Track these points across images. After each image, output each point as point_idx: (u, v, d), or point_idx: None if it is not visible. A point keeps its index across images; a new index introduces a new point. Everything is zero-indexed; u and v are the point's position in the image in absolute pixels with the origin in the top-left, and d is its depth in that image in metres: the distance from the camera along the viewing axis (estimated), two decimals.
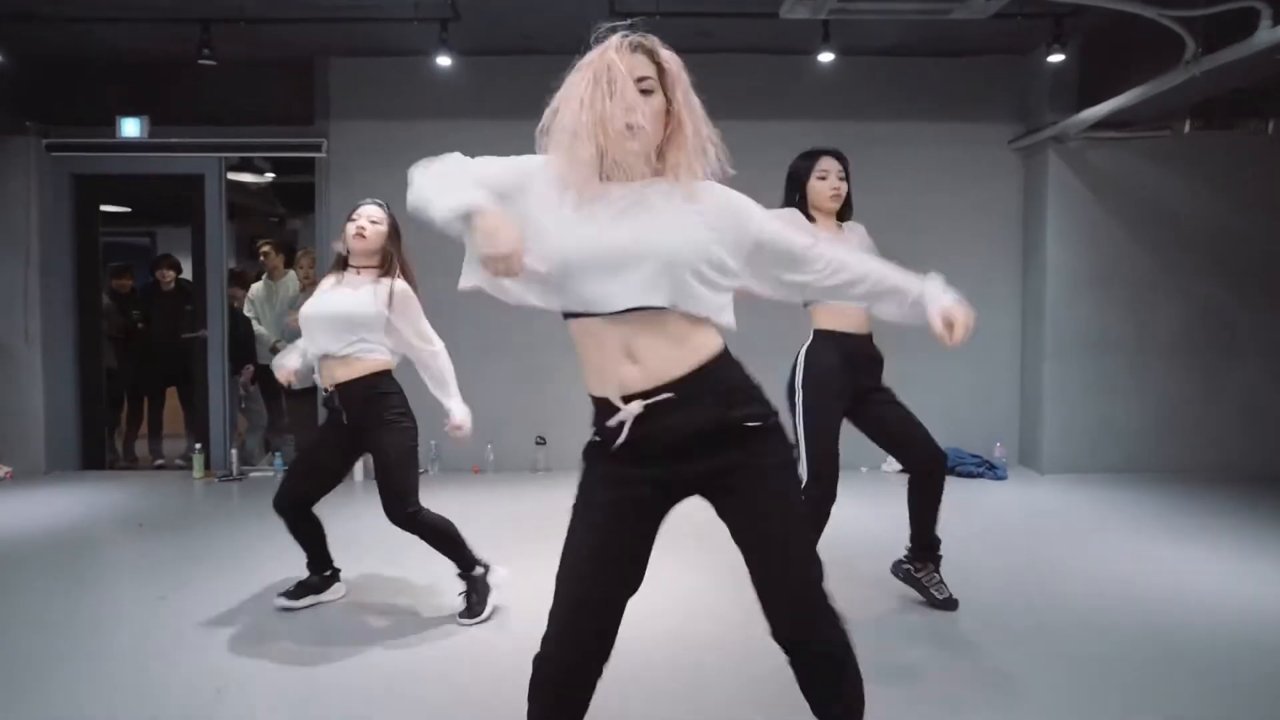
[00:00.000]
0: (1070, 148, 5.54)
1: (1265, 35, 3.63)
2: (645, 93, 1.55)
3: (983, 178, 5.87)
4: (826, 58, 5.17)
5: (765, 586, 1.59)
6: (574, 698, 1.60)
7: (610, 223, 1.54)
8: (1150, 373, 5.67)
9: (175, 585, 3.47)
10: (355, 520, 4.55)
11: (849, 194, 3.04)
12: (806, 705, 1.63)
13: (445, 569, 3.14)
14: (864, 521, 4.33)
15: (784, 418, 2.82)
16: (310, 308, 3.07)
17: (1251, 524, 4.39)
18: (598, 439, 1.63)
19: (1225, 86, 4.63)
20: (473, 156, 1.72)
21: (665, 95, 1.57)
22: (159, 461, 6.31)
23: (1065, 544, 4.14)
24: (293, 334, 6.12)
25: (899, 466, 5.91)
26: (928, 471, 3.08)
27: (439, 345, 3.13)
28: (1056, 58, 4.95)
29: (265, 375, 6.20)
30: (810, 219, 2.96)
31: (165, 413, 6.49)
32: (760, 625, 1.60)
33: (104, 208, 8.13)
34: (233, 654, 2.79)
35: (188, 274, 6.51)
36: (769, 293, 1.72)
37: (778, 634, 1.58)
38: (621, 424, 1.55)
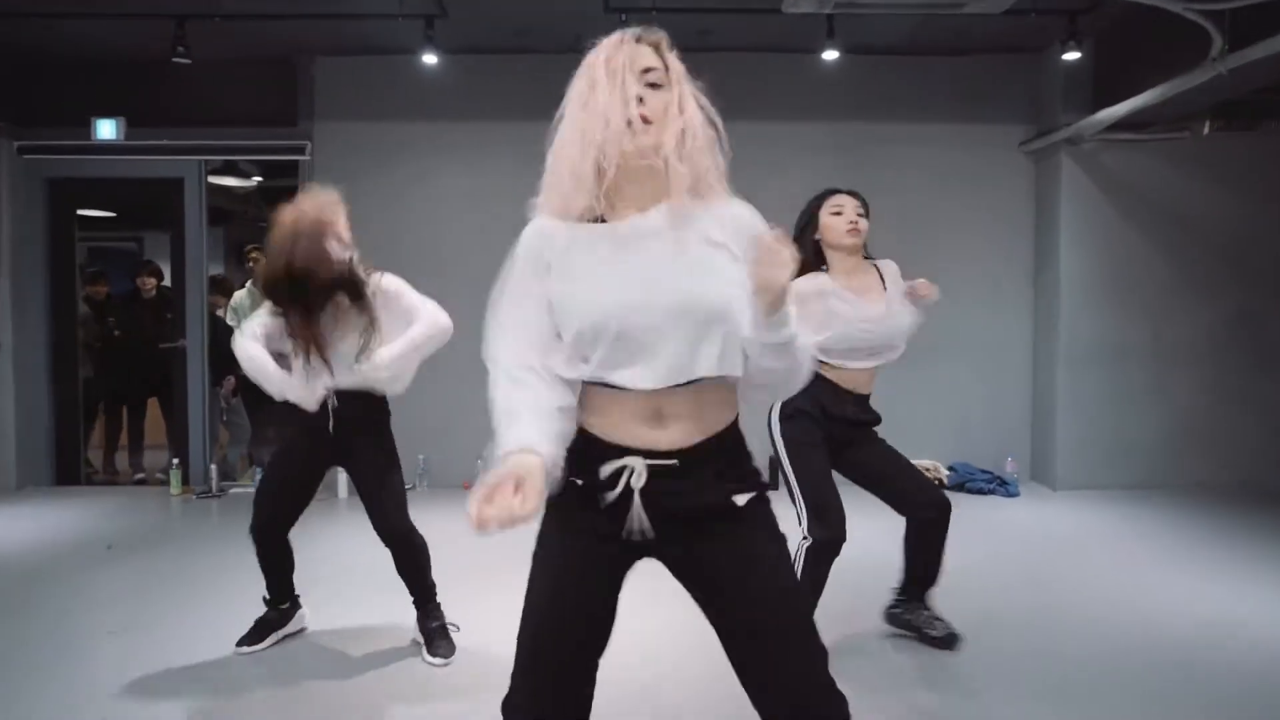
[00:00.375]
0: (1084, 150, 5.33)
1: None
2: (652, 86, 1.38)
3: (992, 181, 5.66)
4: (831, 56, 4.96)
5: (760, 682, 1.37)
6: None
7: (642, 281, 1.35)
8: (1169, 383, 5.45)
9: (131, 618, 3.24)
10: (328, 543, 4.35)
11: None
12: None
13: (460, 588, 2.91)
14: (871, 544, 4.11)
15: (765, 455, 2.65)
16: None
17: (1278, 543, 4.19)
18: (577, 482, 1.39)
19: (1251, 85, 4.41)
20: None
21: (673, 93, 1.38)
22: (139, 476, 6.11)
23: (1080, 566, 3.95)
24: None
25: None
26: (935, 517, 2.79)
27: (426, 314, 2.83)
28: (1071, 55, 4.74)
29: (248, 386, 5.98)
30: (823, 262, 2.70)
31: (146, 424, 6.29)
32: None
33: (88, 212, 7.98)
34: (186, 700, 2.56)
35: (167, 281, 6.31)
36: None
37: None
38: (615, 479, 1.36)
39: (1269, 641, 2.99)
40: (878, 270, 2.79)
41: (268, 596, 2.95)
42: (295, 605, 3.02)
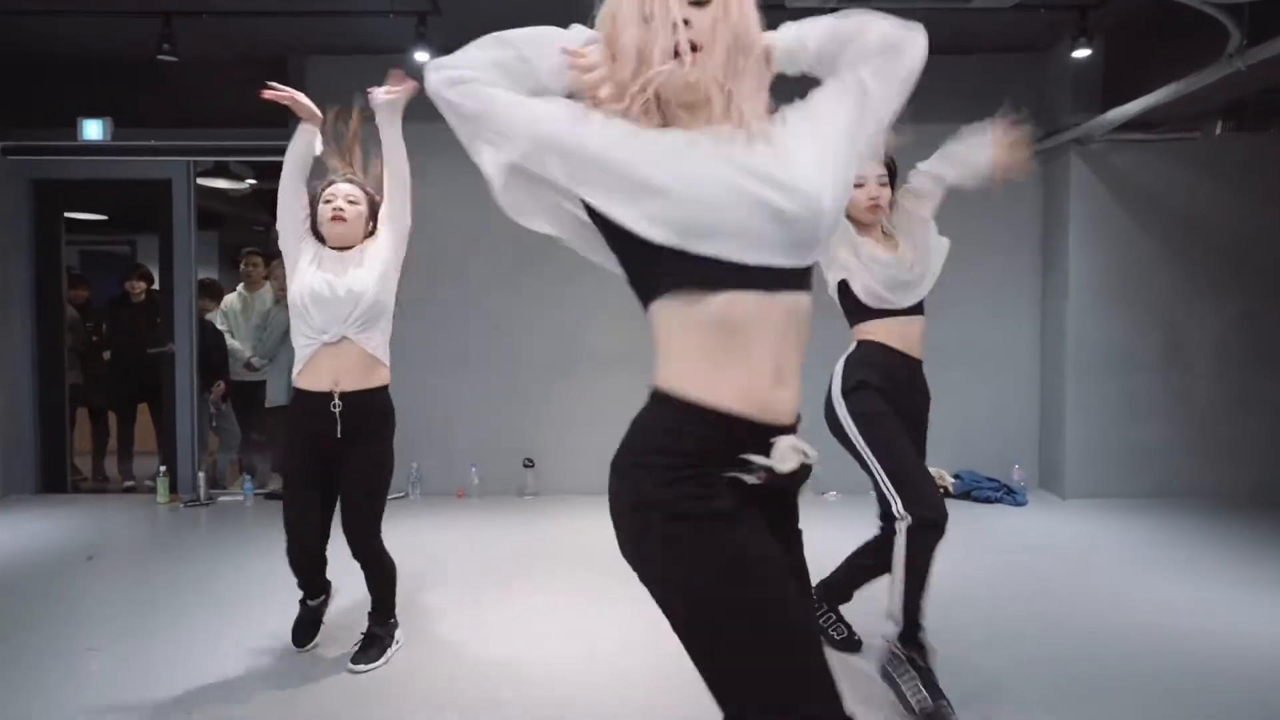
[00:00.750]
0: (1093, 150, 5.21)
1: None
2: (700, 3, 1.19)
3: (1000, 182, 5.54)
4: None
5: None
6: None
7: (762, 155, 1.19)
8: (1180, 389, 5.33)
9: (113, 633, 3.13)
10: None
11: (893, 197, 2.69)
12: None
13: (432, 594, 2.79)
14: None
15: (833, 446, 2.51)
16: (315, 282, 2.66)
17: None
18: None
19: (1268, 82, 4.31)
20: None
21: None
22: (128, 483, 5.98)
23: (1088, 575, 3.86)
24: (268, 349, 5.85)
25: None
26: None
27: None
28: (1082, 53, 4.62)
29: (239, 391, 5.87)
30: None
31: (135, 430, 6.17)
32: None
33: (79, 215, 7.87)
34: (171, 713, 2.44)
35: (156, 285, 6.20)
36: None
37: None
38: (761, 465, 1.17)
39: (1273, 641, 2.94)
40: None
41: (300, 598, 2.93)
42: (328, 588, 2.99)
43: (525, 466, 5.50)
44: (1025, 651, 2.93)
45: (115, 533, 4.66)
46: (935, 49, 4.56)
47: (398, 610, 2.92)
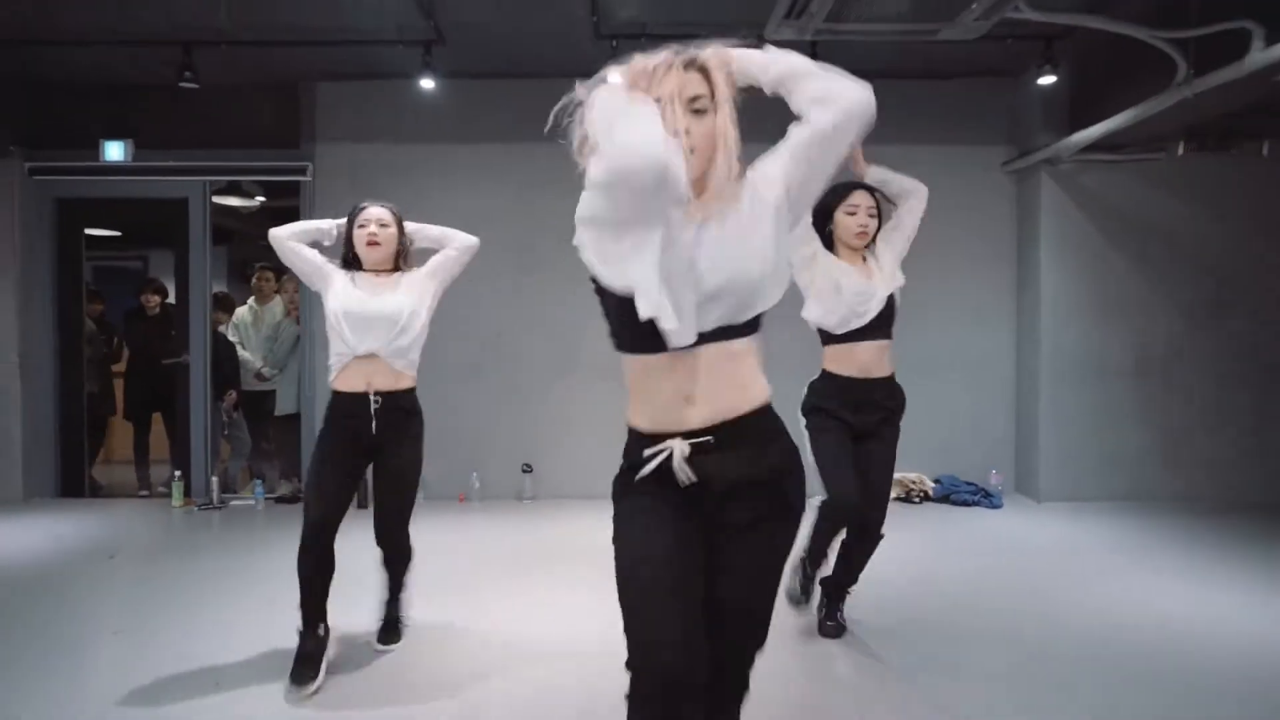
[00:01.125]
0: (1063, 170, 5.48)
1: (1258, 56, 3.56)
2: (697, 113, 1.46)
3: (976, 200, 5.80)
4: None
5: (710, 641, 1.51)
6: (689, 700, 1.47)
7: (709, 242, 1.48)
8: (1150, 397, 5.57)
9: (135, 623, 3.36)
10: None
11: (880, 228, 3.02)
12: None
13: (436, 592, 3.02)
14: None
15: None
16: (351, 303, 2.87)
17: (1259, 556, 4.29)
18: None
19: (1219, 108, 4.56)
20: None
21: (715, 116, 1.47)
22: (143, 492, 6.20)
23: (1061, 575, 4.05)
24: (278, 360, 6.10)
25: (894, 494, 5.85)
26: (857, 531, 3.02)
27: (463, 238, 3.14)
28: (1047, 79, 4.90)
29: (249, 400, 6.12)
30: (833, 251, 2.96)
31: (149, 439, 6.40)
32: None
33: (94, 231, 8.14)
34: (190, 695, 2.67)
35: (174, 298, 6.45)
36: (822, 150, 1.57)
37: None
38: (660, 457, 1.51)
39: (1237, 640, 3.13)
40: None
41: (302, 628, 2.84)
42: (328, 630, 2.90)
43: (524, 472, 5.74)
44: (996, 644, 3.12)
45: (134, 534, 4.90)
46: (915, 74, 4.99)
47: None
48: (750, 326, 1.51)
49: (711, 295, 1.46)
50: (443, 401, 6.00)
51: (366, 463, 2.94)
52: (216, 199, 6.22)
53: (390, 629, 3.11)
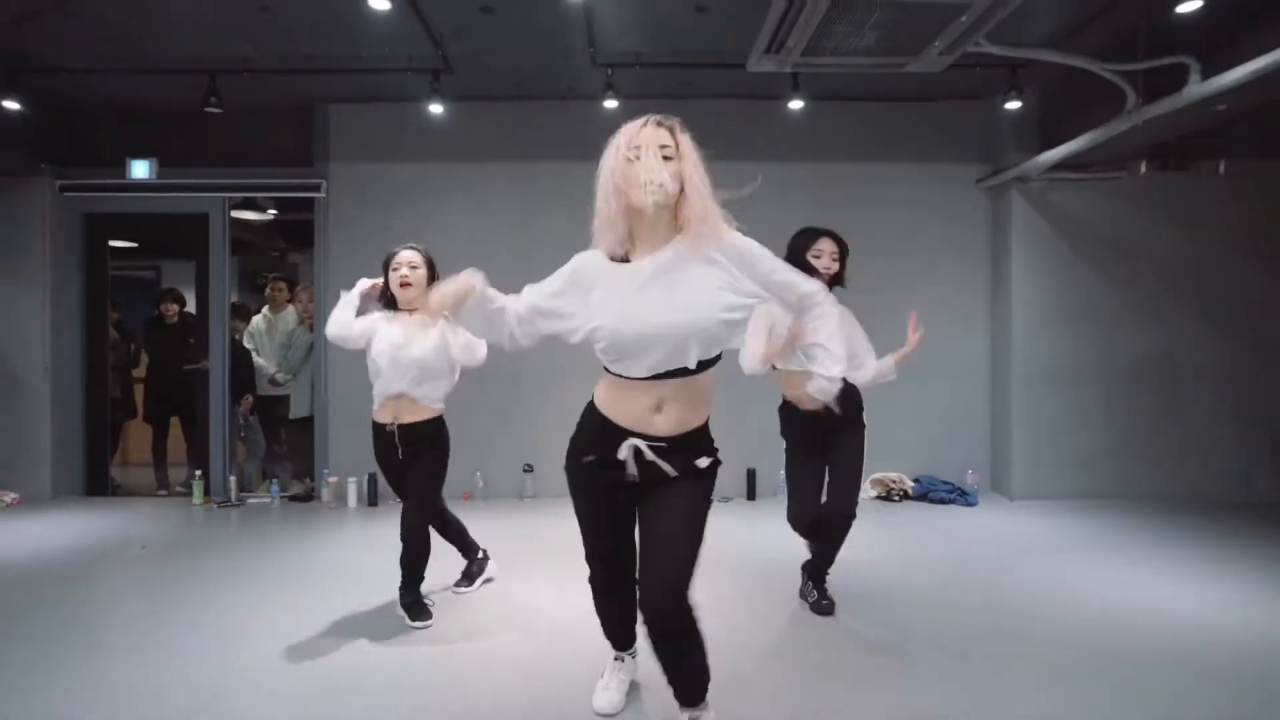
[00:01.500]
0: (1032, 188, 5.82)
1: (1195, 89, 3.90)
2: (667, 159, 1.98)
3: (953, 215, 6.13)
4: (796, 105, 5.47)
5: (643, 566, 2.11)
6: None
7: (651, 305, 1.99)
8: (1116, 402, 5.89)
9: (169, 603, 3.68)
10: (347, 549, 4.74)
11: (842, 270, 3.33)
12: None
13: (446, 579, 3.36)
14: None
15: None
16: (386, 347, 3.32)
17: (1216, 548, 4.57)
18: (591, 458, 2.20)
19: (1172, 132, 4.90)
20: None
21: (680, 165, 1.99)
22: (162, 491, 6.50)
23: (1031, 568, 4.25)
24: (291, 366, 6.42)
25: (874, 493, 6.16)
26: (831, 520, 3.36)
27: (482, 352, 3.48)
28: (1013, 105, 5.24)
29: (263, 405, 6.44)
30: None
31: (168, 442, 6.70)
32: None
33: (112, 243, 8.46)
34: (229, 662, 2.99)
35: (190, 307, 6.77)
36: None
37: (644, 605, 2.09)
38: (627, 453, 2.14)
39: (1195, 623, 3.38)
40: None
41: (405, 590, 3.47)
42: (486, 555, 3.99)
43: (525, 472, 6.06)
44: (971, 630, 3.33)
45: (159, 529, 5.21)
46: (897, 98, 5.43)
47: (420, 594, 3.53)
48: (703, 366, 2.06)
49: (659, 332, 1.98)
50: (449, 407, 6.32)
51: (403, 469, 3.45)
52: (232, 213, 6.54)
53: (414, 611, 3.44)
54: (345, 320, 3.44)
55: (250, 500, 5.99)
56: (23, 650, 3.12)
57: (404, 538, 3.39)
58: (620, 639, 2.62)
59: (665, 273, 1.98)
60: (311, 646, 3.18)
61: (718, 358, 2.09)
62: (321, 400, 6.10)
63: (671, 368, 2.01)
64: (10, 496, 5.83)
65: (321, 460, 6.11)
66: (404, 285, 3.35)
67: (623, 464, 2.10)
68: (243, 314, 6.77)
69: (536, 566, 4.28)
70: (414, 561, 3.44)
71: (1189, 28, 3.91)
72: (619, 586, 2.38)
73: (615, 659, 2.65)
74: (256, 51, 4.99)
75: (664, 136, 2.00)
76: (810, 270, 3.25)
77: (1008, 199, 5.90)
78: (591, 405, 2.21)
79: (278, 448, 6.71)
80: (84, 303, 6.25)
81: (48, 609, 3.64)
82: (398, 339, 3.33)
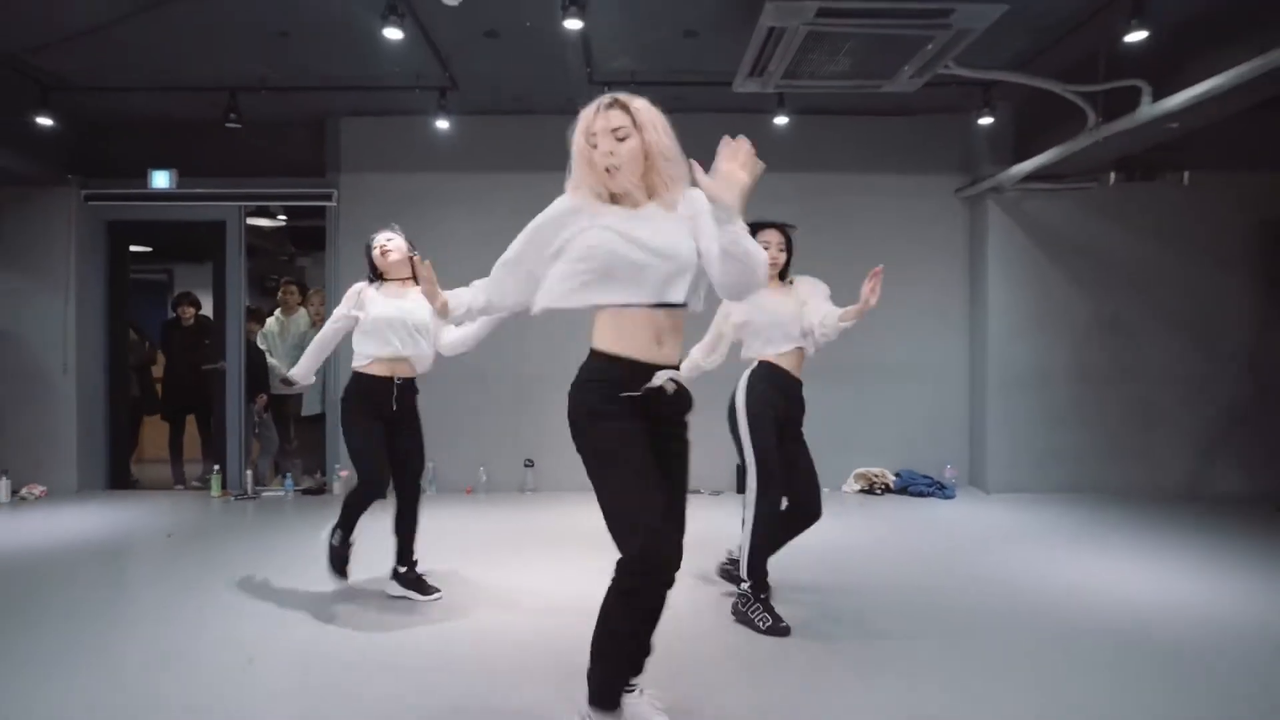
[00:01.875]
0: (1008, 197, 6.12)
1: (1146, 110, 4.22)
2: (622, 139, 2.04)
3: (933, 224, 6.44)
4: (781, 121, 5.79)
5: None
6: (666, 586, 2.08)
7: (645, 232, 2.06)
8: (1086, 401, 6.20)
9: (195, 583, 3.99)
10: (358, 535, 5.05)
11: (789, 260, 3.57)
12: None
13: (452, 565, 3.66)
14: (827, 536, 4.80)
15: (725, 437, 3.39)
16: (383, 310, 3.60)
17: (1182, 538, 4.84)
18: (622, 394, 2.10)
19: (1136, 146, 5.21)
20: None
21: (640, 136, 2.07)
22: (178, 486, 6.79)
23: (1006, 557, 4.45)
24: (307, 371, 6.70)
25: (858, 487, 6.46)
26: (805, 518, 3.50)
27: (446, 332, 3.73)
28: (986, 120, 5.55)
29: (276, 403, 6.75)
30: None
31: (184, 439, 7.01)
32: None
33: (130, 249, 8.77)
34: (259, 633, 3.29)
35: (205, 310, 7.08)
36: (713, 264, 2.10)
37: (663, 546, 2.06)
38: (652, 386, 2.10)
39: (1161, 608, 3.61)
40: (794, 286, 3.55)
41: (341, 532, 3.72)
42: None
43: (526, 466, 6.37)
44: (949, 612, 3.52)
45: (180, 520, 5.51)
46: (880, 112, 5.83)
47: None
48: (682, 305, 2.13)
49: (657, 253, 2.05)
50: (453, 404, 6.64)
51: (388, 430, 3.68)
52: (247, 220, 6.84)
53: (422, 586, 3.74)
54: (315, 357, 3.83)
55: (265, 493, 6.31)
56: (71, 624, 3.42)
57: (409, 512, 3.72)
58: (640, 659, 2.26)
59: (647, 219, 2.07)
60: (334, 615, 3.48)
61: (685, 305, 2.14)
62: (331, 399, 6.39)
63: (661, 300, 2.05)
64: (39, 489, 6.15)
65: (333, 455, 6.42)
66: (385, 253, 3.68)
67: (657, 391, 2.07)
68: (257, 316, 7.07)
69: (537, 556, 4.57)
70: (413, 526, 3.76)
71: (1143, 53, 4.21)
72: (671, 583, 2.06)
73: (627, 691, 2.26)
74: (274, 71, 5.30)
75: (616, 118, 2.05)
76: None
77: (984, 208, 6.20)
78: (594, 354, 2.13)
79: (288, 444, 7.02)
80: (106, 306, 6.56)
81: (89, 588, 3.95)
82: (404, 305, 3.61)
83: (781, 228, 3.54)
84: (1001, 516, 5.50)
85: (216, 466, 6.32)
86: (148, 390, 7.21)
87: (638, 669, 2.28)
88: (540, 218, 2.17)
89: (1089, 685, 2.81)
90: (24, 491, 6.12)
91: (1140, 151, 5.57)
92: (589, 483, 2.12)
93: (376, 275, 3.76)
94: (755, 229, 3.49)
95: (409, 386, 3.70)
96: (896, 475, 6.34)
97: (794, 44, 3.72)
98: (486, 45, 4.88)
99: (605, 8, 4.31)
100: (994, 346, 6.19)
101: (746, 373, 3.46)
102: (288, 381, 6.59)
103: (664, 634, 2.28)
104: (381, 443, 3.61)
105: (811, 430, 3.51)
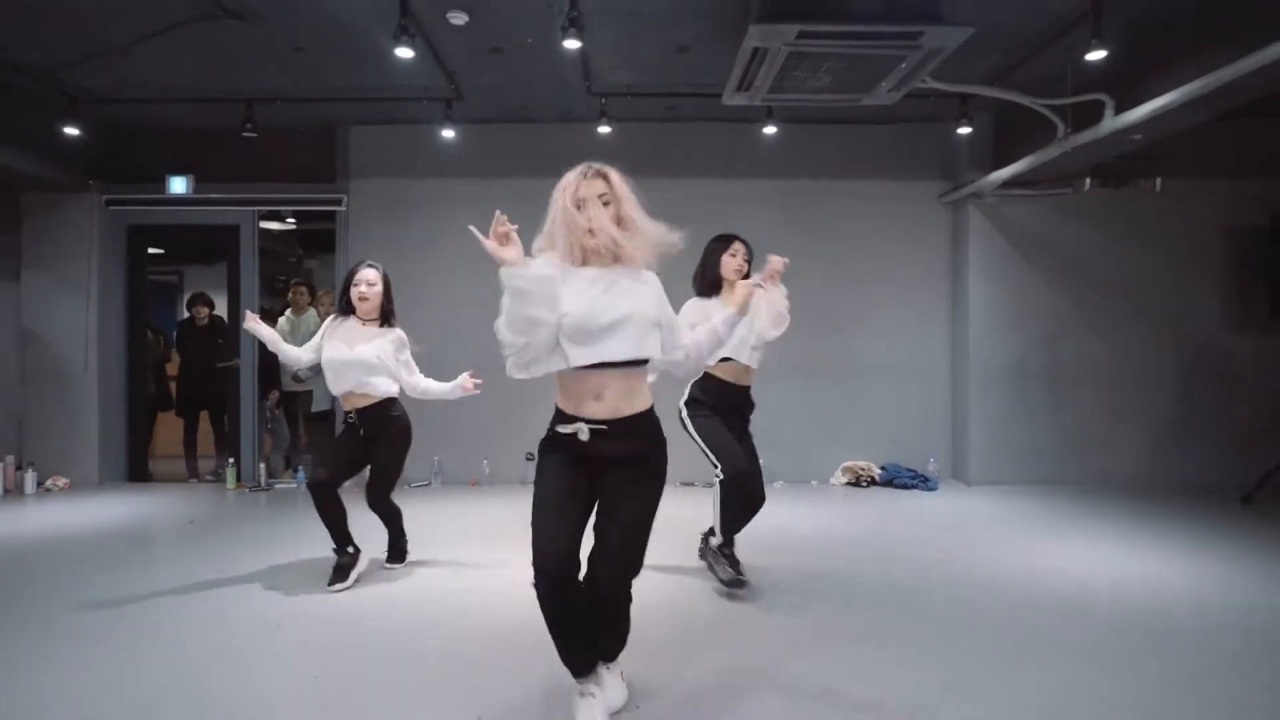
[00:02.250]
0: (987, 202, 6.40)
1: (1109, 123, 4.50)
2: (606, 204, 2.27)
3: (916, 228, 6.71)
4: (770, 130, 6.06)
5: (596, 546, 2.31)
6: (572, 595, 2.28)
7: (604, 297, 2.24)
8: (1063, 398, 6.47)
9: (227, 561, 4.28)
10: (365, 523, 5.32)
11: (749, 270, 3.80)
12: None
13: (457, 552, 3.92)
14: (816, 525, 5.08)
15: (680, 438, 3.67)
16: (334, 353, 3.82)
17: (1152, 526, 5.07)
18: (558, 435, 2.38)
19: (1107, 154, 5.48)
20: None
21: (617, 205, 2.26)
22: (192, 479, 7.05)
23: (985, 545, 4.65)
24: (311, 364, 6.98)
25: (845, 479, 6.72)
26: (751, 503, 3.77)
27: (416, 378, 3.98)
28: (964, 130, 5.82)
29: (287, 400, 7.03)
30: (719, 283, 3.76)
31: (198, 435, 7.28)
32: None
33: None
34: (285, 603, 3.58)
35: (219, 310, 7.36)
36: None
37: (595, 575, 2.28)
38: (575, 432, 2.32)
39: (1136, 592, 3.80)
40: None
41: (335, 547, 3.94)
42: (358, 550, 3.98)
43: (528, 460, 6.63)
44: (933, 597, 3.69)
45: (199, 509, 5.79)
46: (865, 120, 6.21)
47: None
48: (638, 363, 2.30)
49: (611, 326, 2.22)
50: (457, 401, 6.86)
51: (368, 450, 3.94)
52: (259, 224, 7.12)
53: (394, 554, 4.16)
54: (293, 355, 4.01)
55: (277, 486, 6.58)
56: (113, 597, 3.70)
57: (378, 512, 4.08)
58: (582, 660, 2.43)
59: (614, 283, 2.25)
60: (323, 604, 3.77)
61: (646, 361, 2.32)
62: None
63: (622, 358, 2.23)
64: (63, 481, 6.43)
65: None
66: (361, 299, 3.85)
67: (573, 437, 2.29)
68: (268, 316, 7.33)
69: None
70: (392, 529, 4.16)
71: (1106, 70, 4.48)
72: (568, 584, 2.25)
73: (582, 694, 2.42)
74: (289, 84, 5.58)
75: (599, 186, 2.27)
76: (724, 271, 3.72)
77: (966, 213, 6.48)
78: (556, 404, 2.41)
79: (297, 440, 7.30)
80: (126, 306, 6.84)
81: (121, 568, 4.22)
82: (343, 346, 3.80)
83: (746, 242, 3.81)
84: (984, 507, 5.72)
85: (231, 459, 6.60)
86: (162, 388, 7.49)
87: (599, 653, 2.49)
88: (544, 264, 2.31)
89: (1068, 666, 2.91)
90: (49, 483, 6.41)
91: (1112, 159, 5.84)
92: None
93: (347, 308, 3.90)
94: (724, 240, 3.79)
95: (374, 411, 3.85)
96: (882, 468, 6.60)
97: (777, 62, 4.00)
98: (491, 60, 5.16)
99: (602, 27, 4.59)
100: (975, 345, 6.46)
101: (689, 384, 3.78)
102: (298, 379, 6.95)
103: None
104: (343, 453, 3.92)
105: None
